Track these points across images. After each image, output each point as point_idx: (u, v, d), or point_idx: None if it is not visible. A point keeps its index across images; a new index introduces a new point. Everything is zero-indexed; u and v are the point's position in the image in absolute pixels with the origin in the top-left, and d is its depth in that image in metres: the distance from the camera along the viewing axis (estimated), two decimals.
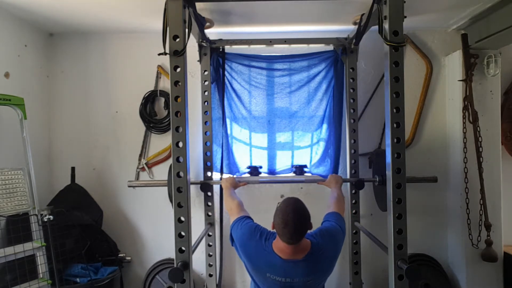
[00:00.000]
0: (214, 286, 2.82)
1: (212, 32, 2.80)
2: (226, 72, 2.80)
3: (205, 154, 2.79)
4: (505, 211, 2.78)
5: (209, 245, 2.83)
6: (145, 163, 3.01)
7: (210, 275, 2.83)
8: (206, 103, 2.78)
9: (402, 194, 1.83)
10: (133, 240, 3.05)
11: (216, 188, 2.85)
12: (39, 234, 2.37)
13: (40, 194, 2.50)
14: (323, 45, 2.86)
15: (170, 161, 2.92)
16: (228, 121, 2.82)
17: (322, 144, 2.83)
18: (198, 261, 2.89)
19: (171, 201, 2.22)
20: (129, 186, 2.66)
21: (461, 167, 2.78)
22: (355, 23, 2.60)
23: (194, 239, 2.04)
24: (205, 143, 2.79)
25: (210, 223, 2.81)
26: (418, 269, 1.74)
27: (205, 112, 2.78)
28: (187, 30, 1.86)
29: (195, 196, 2.95)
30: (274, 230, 1.78)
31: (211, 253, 2.83)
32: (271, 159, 2.86)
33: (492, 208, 2.72)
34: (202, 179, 2.80)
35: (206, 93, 2.77)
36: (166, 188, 2.47)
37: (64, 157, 3.01)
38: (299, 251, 1.75)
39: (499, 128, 2.80)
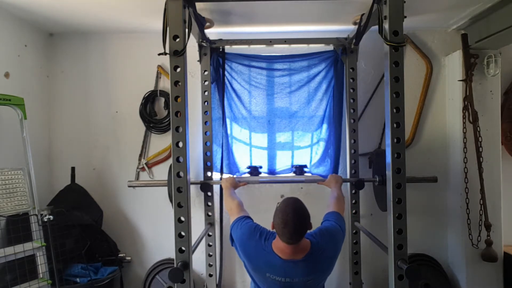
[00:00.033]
0: (214, 286, 2.82)
1: (212, 32, 2.80)
2: (226, 72, 2.80)
3: (205, 154, 2.79)
4: (505, 211, 2.78)
5: (209, 245, 2.83)
6: (145, 163, 3.01)
7: (210, 275, 2.83)
8: (206, 103, 2.78)
9: (402, 194, 1.83)
10: (133, 240, 3.05)
11: (216, 188, 2.85)
12: (39, 234, 2.37)
13: (40, 194, 2.50)
14: (323, 45, 2.86)
15: (170, 161, 2.92)
16: (228, 121, 2.82)
17: (322, 144, 2.83)
18: (198, 261, 2.89)
19: (171, 201, 2.22)
20: (129, 186, 2.66)
21: (461, 167, 2.78)
22: (355, 23, 2.60)
23: (194, 239, 2.04)
24: (205, 143, 2.79)
25: (210, 223, 2.81)
26: (418, 269, 1.74)
27: (205, 112, 2.78)
28: (187, 30, 1.86)
29: (195, 196, 2.95)
30: (274, 230, 1.78)
31: (211, 253, 2.83)
32: (271, 159, 2.86)
33: (492, 208, 2.72)
34: (202, 179, 2.80)
35: (206, 93, 2.77)
36: (166, 188, 2.47)
37: (64, 157, 3.01)
38: (299, 251, 1.75)
39: (499, 128, 2.80)
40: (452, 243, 2.97)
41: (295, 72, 2.82)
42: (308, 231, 1.79)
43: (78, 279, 2.53)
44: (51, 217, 2.39)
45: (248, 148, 2.88)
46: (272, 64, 2.83)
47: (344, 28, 2.76)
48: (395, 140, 1.83)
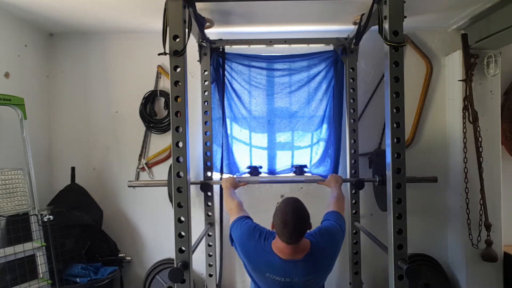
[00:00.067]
0: (214, 286, 2.82)
1: (212, 32, 2.80)
2: (226, 72, 2.80)
3: (205, 154, 2.79)
4: (505, 211, 2.78)
5: (209, 245, 2.83)
6: (145, 163, 3.01)
7: (210, 275, 2.83)
8: (206, 103, 2.78)
9: (402, 194, 1.83)
10: (133, 240, 3.05)
11: (216, 188, 2.85)
12: (39, 234, 2.37)
13: (40, 194, 2.50)
14: (323, 45, 2.86)
15: (170, 161, 2.92)
16: (228, 121, 2.82)
17: (322, 144, 2.83)
18: (198, 261, 2.89)
19: (171, 201, 2.22)
20: (129, 186, 2.66)
21: (461, 167, 2.78)
22: (355, 23, 2.60)
23: (194, 239, 2.04)
24: (205, 143, 2.79)
25: (210, 223, 2.81)
26: (418, 269, 1.74)
27: (205, 112, 2.78)
28: (187, 30, 1.86)
29: (195, 196, 2.95)
30: (274, 230, 1.78)
31: (211, 253, 2.83)
32: (271, 159, 2.86)
33: (492, 208, 2.72)
34: (202, 179, 2.80)
35: (206, 93, 2.77)
36: (166, 188, 2.47)
37: (64, 157, 3.01)
38: (299, 251, 1.75)
39: (499, 128, 2.80)
40: (452, 243, 2.97)
41: (295, 72, 2.82)
42: (308, 231, 1.79)
43: (78, 279, 2.53)
44: (51, 217, 2.39)
45: (248, 148, 2.88)
46: (272, 64, 2.83)
47: (344, 28, 2.76)
48: (395, 140, 1.83)
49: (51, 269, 2.38)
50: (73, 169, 2.91)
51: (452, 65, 2.89)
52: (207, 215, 2.82)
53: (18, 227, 2.30)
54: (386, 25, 1.82)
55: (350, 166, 2.78)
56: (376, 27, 1.92)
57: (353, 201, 2.78)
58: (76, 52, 3.02)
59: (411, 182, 2.30)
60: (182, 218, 1.85)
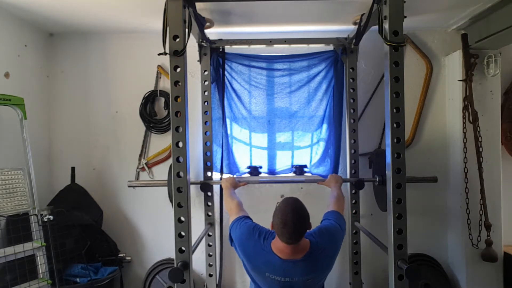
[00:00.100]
0: (214, 286, 2.82)
1: (212, 32, 2.80)
2: (226, 72, 2.80)
3: (205, 154, 2.79)
4: (505, 211, 2.78)
5: (209, 245, 2.83)
6: (145, 163, 3.01)
7: (210, 275, 2.83)
8: (206, 103, 2.78)
9: (402, 194, 1.83)
10: (133, 240, 3.05)
11: (216, 188, 2.85)
12: (39, 234, 2.37)
13: (40, 194, 2.50)
14: (323, 45, 2.86)
15: (170, 161, 2.92)
16: (228, 121, 2.82)
17: (322, 144, 2.83)
18: (198, 261, 2.89)
19: (171, 201, 2.22)
20: (129, 186, 2.66)
21: (461, 167, 2.78)
22: (355, 23, 2.60)
23: (194, 239, 2.04)
24: (205, 143, 2.79)
25: (210, 223, 2.81)
26: (418, 269, 1.74)
27: (205, 112, 2.78)
28: (187, 30, 1.86)
29: (195, 196, 2.95)
30: (274, 230, 1.78)
31: (211, 253, 2.83)
32: (271, 159, 2.86)
33: (492, 208, 2.72)
34: (202, 179, 2.80)
35: (206, 93, 2.77)
36: (166, 188, 2.47)
37: (64, 157, 3.01)
38: (298, 251, 1.75)
39: (499, 128, 2.80)
40: (452, 243, 2.97)
41: (295, 72, 2.82)
42: (308, 231, 1.78)
43: (78, 279, 2.53)
44: (51, 217, 2.39)
45: (248, 148, 2.88)
46: (272, 64, 2.83)
47: (344, 28, 2.76)
48: (395, 140, 1.83)
49: (51, 269, 2.38)
50: (73, 169, 2.91)
51: (452, 65, 2.89)
52: (207, 215, 2.82)
53: (18, 227, 2.30)
54: (386, 25, 1.82)
55: (350, 166, 2.78)
56: (376, 27, 1.92)
57: (353, 201, 2.78)
58: (76, 52, 3.02)
59: (411, 182, 2.30)
60: (182, 218, 1.85)
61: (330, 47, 2.84)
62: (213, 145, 2.79)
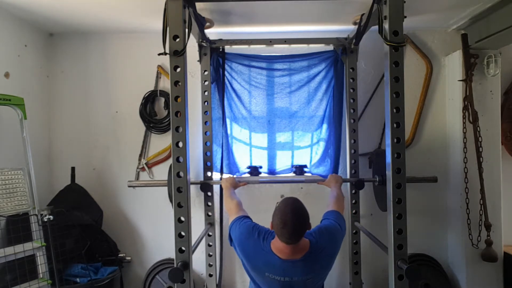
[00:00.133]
0: (214, 286, 2.82)
1: (212, 32, 2.80)
2: (226, 72, 2.80)
3: (205, 154, 2.79)
4: (505, 211, 2.78)
5: (209, 245, 2.83)
6: (145, 163, 3.01)
7: (210, 275, 2.83)
8: (206, 103, 2.78)
9: (402, 194, 1.83)
10: (133, 240, 3.05)
11: (216, 188, 2.85)
12: (39, 234, 2.37)
13: (40, 194, 2.50)
14: (323, 45, 2.86)
15: (170, 161, 2.92)
16: (228, 121, 2.82)
17: (322, 144, 2.83)
18: (198, 261, 2.89)
19: (171, 201, 2.22)
20: (129, 186, 2.66)
21: (461, 167, 2.78)
22: (355, 23, 2.60)
23: (194, 239, 2.04)
24: (205, 143, 2.79)
25: (210, 223, 2.81)
26: (418, 269, 1.74)
27: (205, 112, 2.78)
28: (187, 30, 1.86)
29: (195, 196, 2.95)
30: (273, 230, 1.78)
31: (211, 253, 2.83)
32: (271, 159, 2.86)
33: (492, 208, 2.72)
34: (202, 179, 2.80)
35: (206, 93, 2.77)
36: (166, 188, 2.47)
37: (64, 157, 3.01)
38: (298, 251, 1.75)
39: (499, 128, 2.80)
40: (452, 243, 2.97)
41: (295, 72, 2.82)
42: (307, 231, 1.78)
43: (78, 279, 2.53)
44: (51, 217, 2.39)
45: (248, 148, 2.88)
46: (272, 64, 2.83)
47: (344, 28, 2.76)
48: (395, 140, 1.83)
49: (51, 269, 2.38)
50: (73, 169, 2.91)
51: (452, 65, 2.89)
52: (207, 215, 2.82)
53: (18, 227, 2.30)
54: (386, 25, 1.82)
55: (350, 166, 2.78)
56: (376, 27, 1.92)
57: (353, 201, 2.78)
58: (76, 52, 3.02)
59: (411, 182, 2.30)
60: (182, 218, 1.85)
61: (330, 47, 2.84)
62: (213, 145, 2.79)
